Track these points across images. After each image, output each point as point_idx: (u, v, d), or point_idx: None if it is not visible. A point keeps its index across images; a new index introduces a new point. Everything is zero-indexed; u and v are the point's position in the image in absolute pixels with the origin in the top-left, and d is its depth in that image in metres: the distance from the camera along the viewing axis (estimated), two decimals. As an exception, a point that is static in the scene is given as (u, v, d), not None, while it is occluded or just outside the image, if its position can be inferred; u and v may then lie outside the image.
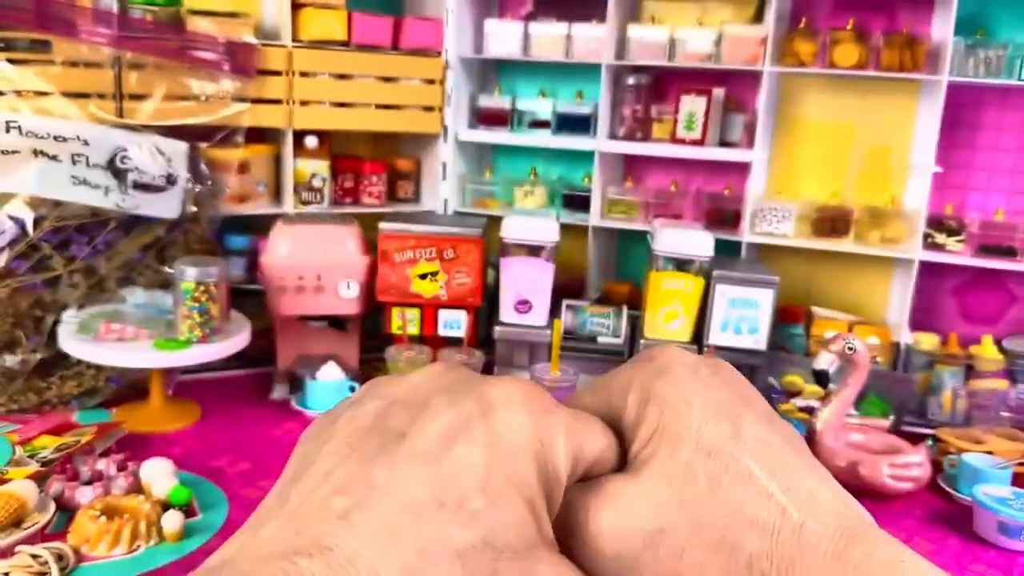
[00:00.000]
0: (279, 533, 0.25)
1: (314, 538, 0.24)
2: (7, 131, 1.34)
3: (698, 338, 1.48)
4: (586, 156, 1.76)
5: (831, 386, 1.33)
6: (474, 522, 0.25)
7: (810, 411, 1.33)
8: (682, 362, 0.32)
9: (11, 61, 1.37)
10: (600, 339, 1.56)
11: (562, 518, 0.28)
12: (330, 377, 1.43)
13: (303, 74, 1.61)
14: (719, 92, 1.67)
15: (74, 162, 1.37)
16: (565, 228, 1.60)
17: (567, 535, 0.28)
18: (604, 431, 0.30)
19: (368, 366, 1.63)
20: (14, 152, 1.34)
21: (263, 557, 0.24)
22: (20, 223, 1.35)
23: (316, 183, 1.68)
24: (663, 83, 1.76)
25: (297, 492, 0.26)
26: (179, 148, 1.47)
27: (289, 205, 1.66)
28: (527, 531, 0.26)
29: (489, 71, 1.92)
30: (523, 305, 1.51)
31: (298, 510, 0.25)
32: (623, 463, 0.30)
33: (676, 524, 0.27)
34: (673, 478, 0.28)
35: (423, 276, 1.50)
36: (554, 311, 1.54)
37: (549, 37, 1.74)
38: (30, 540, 0.96)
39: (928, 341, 1.56)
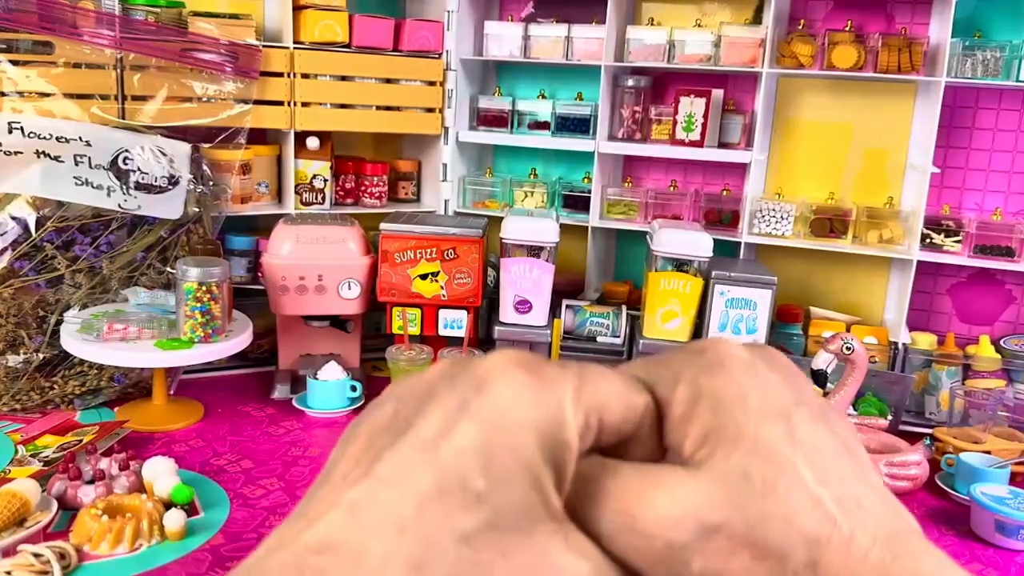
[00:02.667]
0: (294, 531, 0.25)
1: (325, 534, 0.25)
2: (10, 132, 1.34)
3: (696, 338, 1.48)
4: (586, 157, 1.76)
5: (829, 386, 1.34)
6: (478, 505, 0.25)
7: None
8: (737, 357, 0.30)
9: (14, 62, 1.37)
10: (599, 339, 1.56)
11: (608, 498, 0.28)
12: (331, 377, 1.43)
13: (304, 76, 1.62)
14: (718, 93, 1.67)
15: (77, 163, 1.38)
16: (565, 228, 1.61)
17: (613, 515, 0.28)
18: (629, 386, 0.29)
19: (369, 366, 1.65)
20: (17, 153, 1.34)
21: (279, 555, 0.25)
22: (23, 223, 1.36)
23: (317, 184, 1.69)
24: (662, 84, 1.77)
25: (319, 496, 0.27)
26: (181, 149, 1.48)
27: (291, 206, 1.67)
28: (533, 508, 0.26)
29: (489, 73, 1.93)
30: (523, 305, 1.52)
31: (316, 510, 0.26)
32: (660, 441, 0.30)
33: (732, 524, 0.27)
34: (731, 479, 0.28)
35: (424, 276, 1.50)
36: (554, 311, 1.55)
37: (549, 39, 1.75)
38: (32, 539, 0.96)
39: (925, 341, 1.56)
